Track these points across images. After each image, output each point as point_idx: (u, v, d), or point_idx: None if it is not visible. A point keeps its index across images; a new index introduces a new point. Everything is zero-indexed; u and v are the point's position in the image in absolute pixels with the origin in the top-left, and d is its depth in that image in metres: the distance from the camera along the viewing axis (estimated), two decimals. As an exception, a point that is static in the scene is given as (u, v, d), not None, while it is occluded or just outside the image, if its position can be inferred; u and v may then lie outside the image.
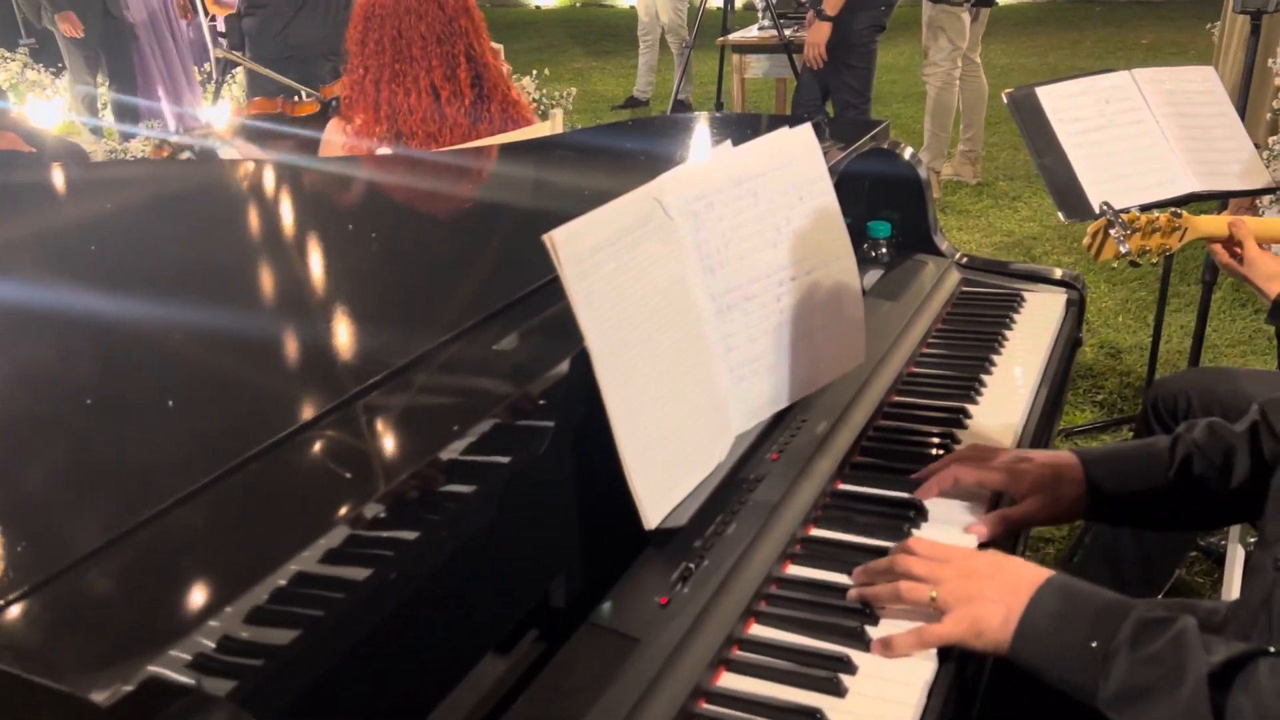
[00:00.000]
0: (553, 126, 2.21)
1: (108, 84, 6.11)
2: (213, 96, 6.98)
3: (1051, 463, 1.07)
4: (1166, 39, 8.91)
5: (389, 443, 0.87)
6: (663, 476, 0.99)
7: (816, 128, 1.84)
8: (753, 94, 5.32)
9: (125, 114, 6.12)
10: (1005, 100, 2.24)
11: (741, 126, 2.06)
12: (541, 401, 0.95)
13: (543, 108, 6.60)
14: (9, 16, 8.37)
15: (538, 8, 13.41)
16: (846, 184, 1.75)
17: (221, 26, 7.67)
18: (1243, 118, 2.46)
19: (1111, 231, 1.79)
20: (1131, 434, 2.62)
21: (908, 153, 1.78)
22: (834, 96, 4.01)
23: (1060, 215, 2.15)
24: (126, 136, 6.02)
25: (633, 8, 7.18)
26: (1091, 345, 3.40)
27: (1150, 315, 3.24)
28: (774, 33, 4.32)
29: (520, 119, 2.16)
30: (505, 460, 0.93)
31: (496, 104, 2.12)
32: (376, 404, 0.88)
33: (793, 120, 4.31)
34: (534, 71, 6.86)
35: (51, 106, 7.53)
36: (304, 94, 2.27)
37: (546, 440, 0.96)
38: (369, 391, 0.89)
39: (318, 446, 0.82)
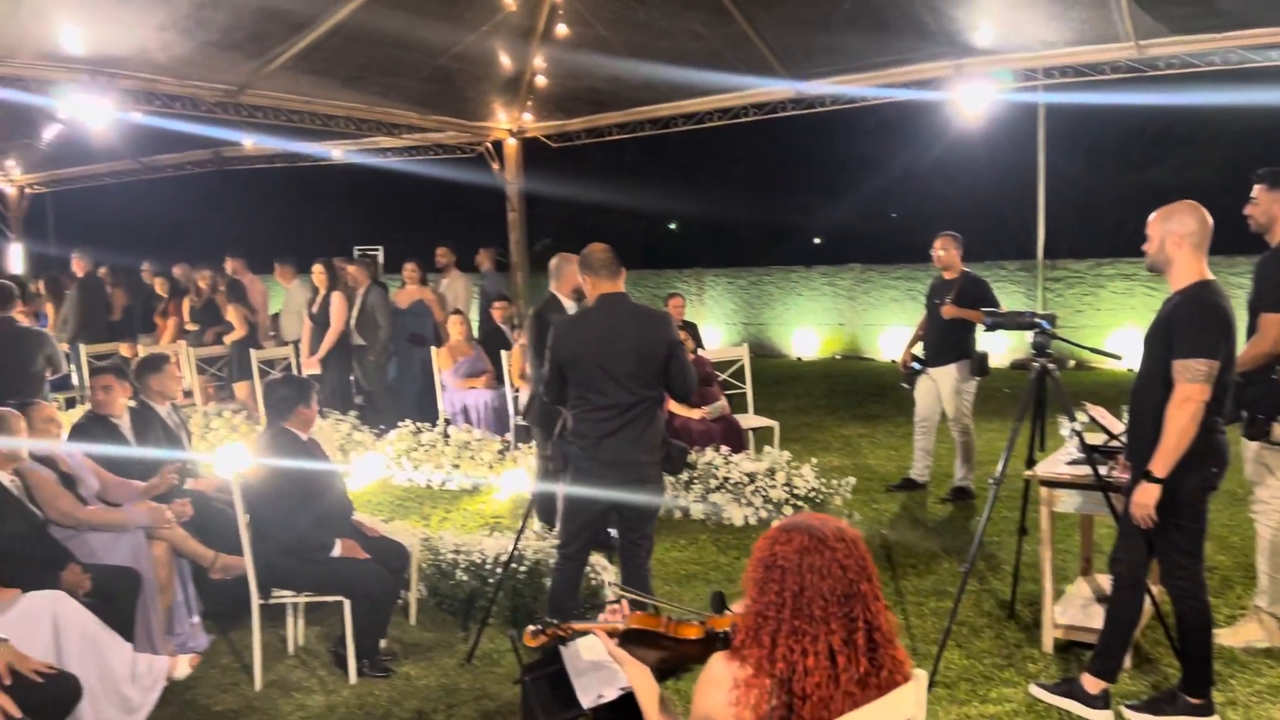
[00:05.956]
0: (917, 690, 2.15)
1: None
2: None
3: None
4: None
5: None
6: None
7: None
8: (1060, 523, 5.07)
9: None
10: None
11: None
12: None
13: (821, 496, 6.67)
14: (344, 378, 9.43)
15: (799, 359, 14.00)
16: None
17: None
18: None
19: None
20: None
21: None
22: (1160, 555, 3.78)
23: None
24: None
25: (894, 362, 7.34)
26: None
27: None
28: (1088, 470, 4.20)
29: (899, 675, 2.11)
30: None
31: (886, 667, 2.07)
32: None
33: (1116, 589, 3.99)
34: (812, 459, 7.02)
35: (370, 461, 8.43)
36: (695, 617, 2.42)
37: None
38: None
39: None
